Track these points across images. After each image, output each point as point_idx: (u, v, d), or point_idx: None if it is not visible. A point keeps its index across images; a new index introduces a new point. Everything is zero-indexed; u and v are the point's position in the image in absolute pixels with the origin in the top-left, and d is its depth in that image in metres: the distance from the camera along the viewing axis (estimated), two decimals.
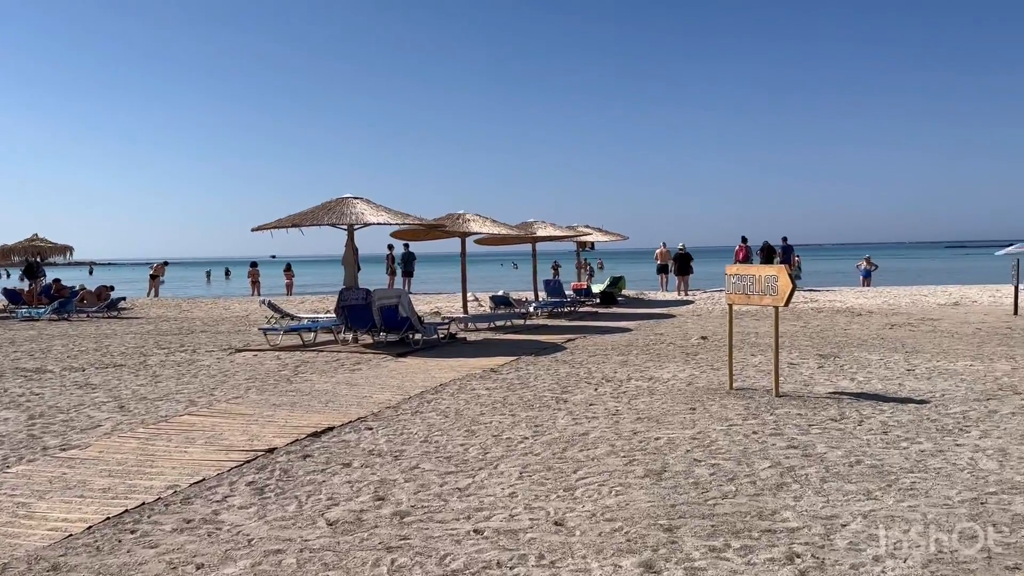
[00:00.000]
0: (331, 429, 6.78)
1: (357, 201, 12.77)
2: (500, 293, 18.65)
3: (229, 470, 5.61)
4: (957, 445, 5.91)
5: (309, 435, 6.56)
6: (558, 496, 4.93)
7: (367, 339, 12.97)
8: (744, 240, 25.50)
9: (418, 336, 12.63)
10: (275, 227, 12.66)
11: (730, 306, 8.60)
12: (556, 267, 40.42)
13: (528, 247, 21.60)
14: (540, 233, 19.14)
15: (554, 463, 5.67)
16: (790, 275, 7.79)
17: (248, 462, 5.80)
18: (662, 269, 27.72)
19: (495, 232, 16.30)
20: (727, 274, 8.43)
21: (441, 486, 5.17)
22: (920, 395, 7.81)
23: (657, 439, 6.27)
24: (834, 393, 8.02)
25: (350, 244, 12.93)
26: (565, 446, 6.14)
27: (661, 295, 25.57)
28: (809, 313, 17.78)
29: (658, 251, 27.67)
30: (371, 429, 6.80)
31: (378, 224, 12.59)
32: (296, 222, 12.62)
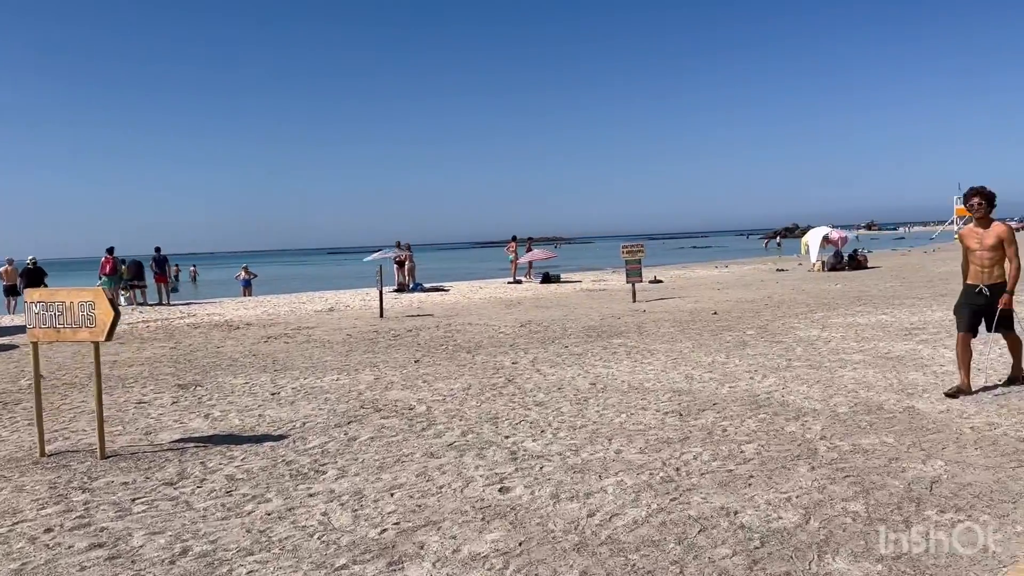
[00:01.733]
0: None
1: None
2: None
3: None
4: (311, 496, 4.94)
5: None
6: None
7: None
8: (110, 251, 22.40)
9: None
10: None
11: (34, 345, 6.35)
12: None
13: None
14: None
15: None
16: (111, 300, 5.99)
17: None
18: (9, 290, 22.76)
19: None
20: (27, 302, 6.20)
21: None
22: (280, 428, 6.83)
23: None
24: (181, 441, 6.50)
25: None
26: None
27: (8, 320, 20.83)
28: (184, 330, 16.06)
29: (2, 269, 22.59)
30: None
31: None
32: None
